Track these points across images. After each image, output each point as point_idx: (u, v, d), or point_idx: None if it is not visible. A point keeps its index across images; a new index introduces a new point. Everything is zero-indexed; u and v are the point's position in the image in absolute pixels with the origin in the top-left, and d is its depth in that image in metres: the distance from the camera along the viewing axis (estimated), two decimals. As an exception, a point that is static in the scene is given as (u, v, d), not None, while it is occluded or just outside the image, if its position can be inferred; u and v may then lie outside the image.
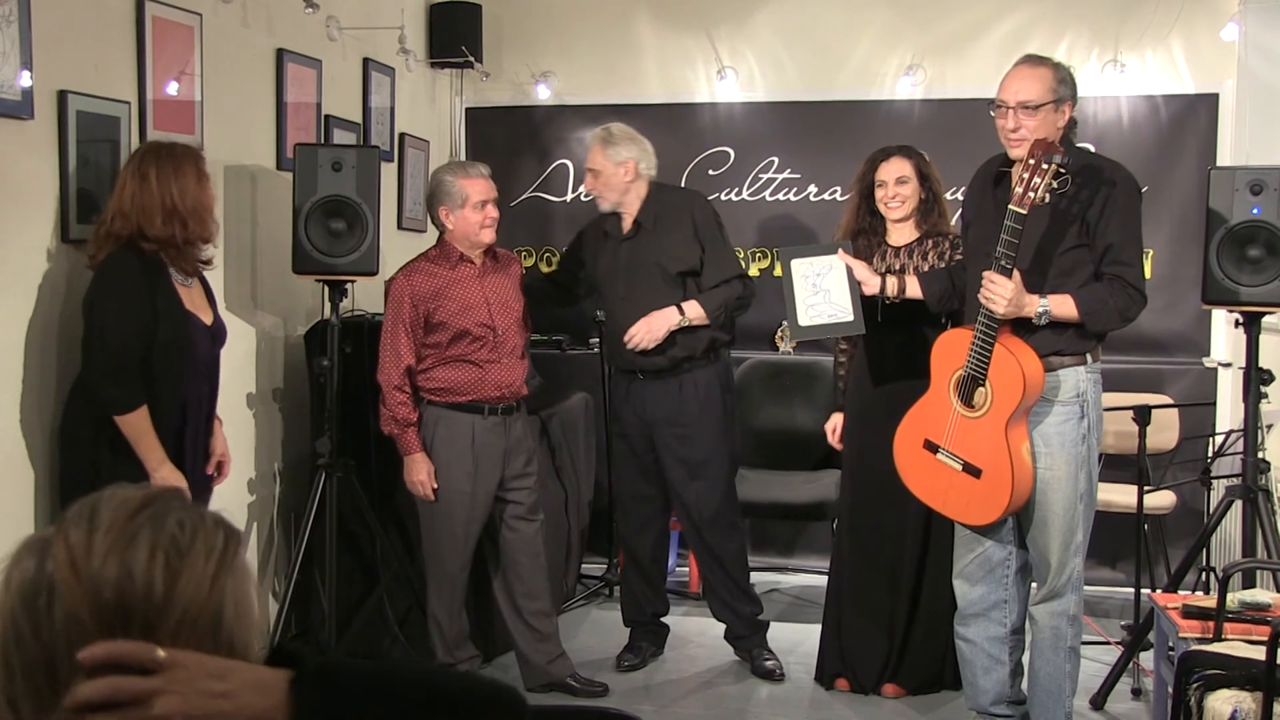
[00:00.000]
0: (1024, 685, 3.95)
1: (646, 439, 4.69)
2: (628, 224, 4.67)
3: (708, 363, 4.65)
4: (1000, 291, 3.48)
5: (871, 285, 4.10)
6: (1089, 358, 3.64)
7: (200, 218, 3.53)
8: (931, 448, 3.80)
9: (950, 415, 3.74)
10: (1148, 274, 5.85)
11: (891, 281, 4.11)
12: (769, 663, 4.72)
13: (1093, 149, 5.73)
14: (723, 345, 4.71)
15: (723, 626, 4.85)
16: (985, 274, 3.54)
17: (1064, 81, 3.63)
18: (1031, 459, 3.64)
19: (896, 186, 4.34)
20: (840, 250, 4.16)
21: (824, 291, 4.16)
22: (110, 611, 1.16)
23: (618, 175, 4.61)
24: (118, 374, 3.39)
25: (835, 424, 4.60)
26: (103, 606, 1.16)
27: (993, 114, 3.68)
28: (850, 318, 4.12)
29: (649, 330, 4.52)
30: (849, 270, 4.12)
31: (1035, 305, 3.52)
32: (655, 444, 4.68)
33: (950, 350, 3.75)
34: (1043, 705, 3.80)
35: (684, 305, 4.54)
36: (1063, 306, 3.54)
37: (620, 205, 4.64)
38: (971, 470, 3.69)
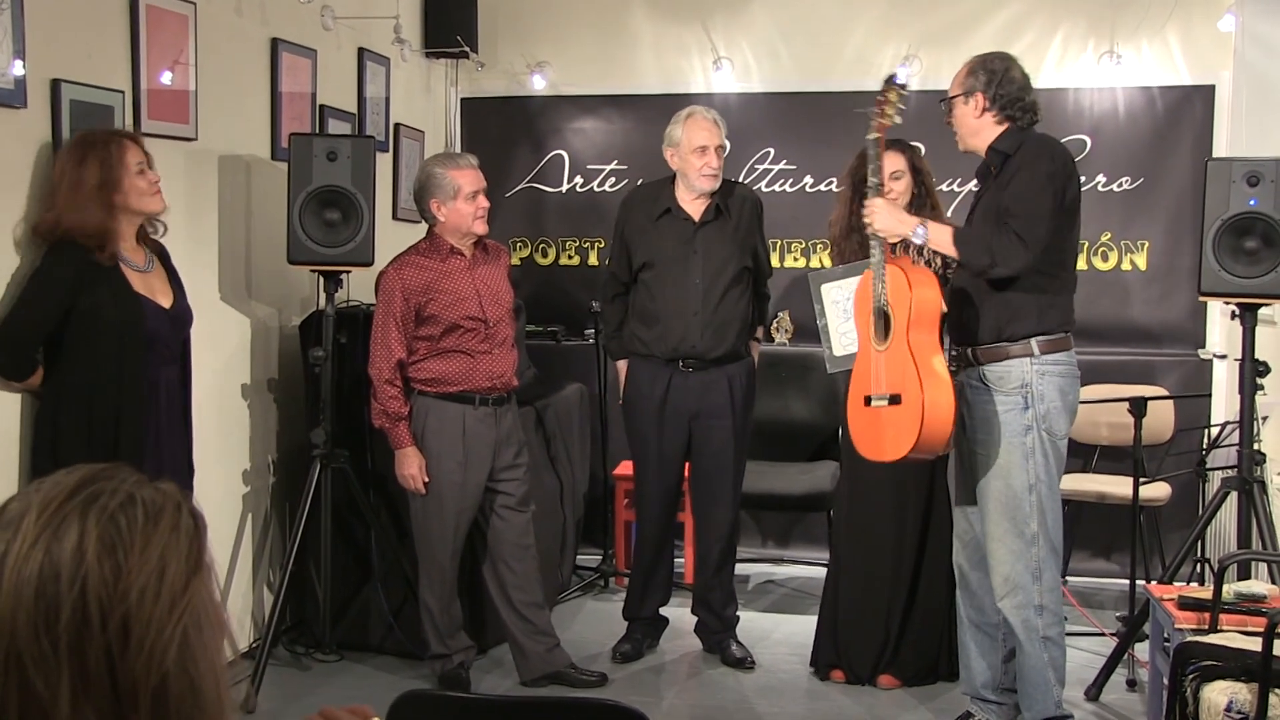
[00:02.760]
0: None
1: (684, 431, 4.65)
2: (700, 208, 4.63)
3: (745, 355, 4.72)
4: (871, 210, 3.77)
5: None
6: (1036, 348, 3.66)
7: (93, 209, 3.45)
8: (868, 400, 3.81)
9: (873, 358, 3.79)
10: (1143, 265, 5.87)
11: None
12: (739, 653, 4.73)
13: (1088, 140, 5.81)
14: (750, 340, 4.80)
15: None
16: (865, 202, 3.83)
17: (973, 73, 3.78)
18: (950, 375, 3.67)
19: (891, 181, 4.31)
20: (867, 272, 4.17)
21: (854, 318, 4.17)
22: (36, 617, 1.01)
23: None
24: (7, 346, 3.47)
25: None
26: (30, 610, 1.01)
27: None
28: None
29: None
30: None
31: (912, 224, 3.75)
32: (694, 434, 4.66)
33: (864, 296, 3.87)
34: (1030, 698, 3.79)
35: (758, 338, 4.87)
36: (940, 232, 3.72)
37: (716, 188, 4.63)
38: (895, 400, 3.71)
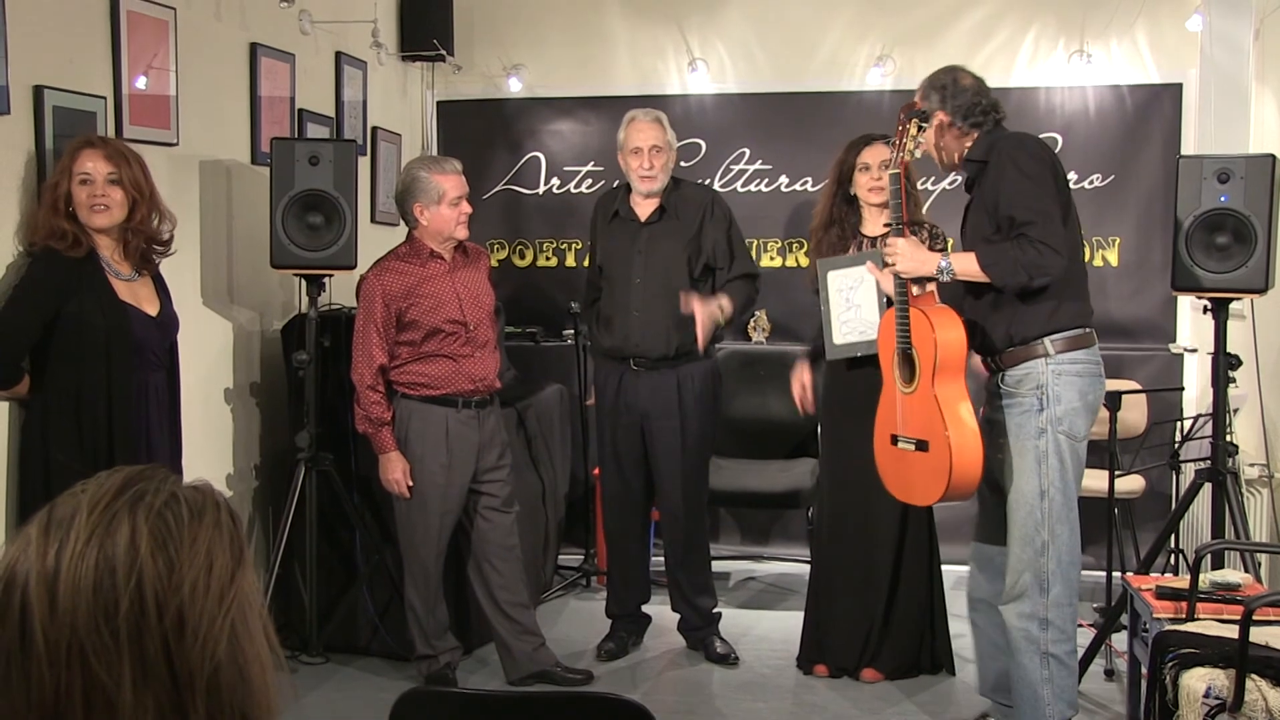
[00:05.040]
0: None
1: (636, 429, 4.70)
2: (648, 209, 4.67)
3: (704, 357, 4.71)
4: (894, 250, 3.63)
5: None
6: (1051, 348, 3.58)
7: (61, 214, 3.48)
8: (894, 439, 3.79)
9: (897, 399, 3.77)
10: (1114, 261, 5.94)
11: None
12: (722, 649, 4.77)
13: (1060, 138, 5.88)
14: (716, 341, 4.78)
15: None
16: (887, 241, 3.69)
17: (925, 97, 3.78)
18: (977, 422, 3.61)
19: (882, 170, 4.34)
20: (869, 263, 4.13)
21: (855, 307, 4.25)
22: (96, 609, 1.05)
23: (672, 158, 4.68)
24: None
25: (802, 378, 4.53)
26: (89, 603, 1.05)
27: None
28: (876, 336, 4.11)
29: (706, 317, 4.46)
30: (877, 284, 4.14)
31: (935, 262, 3.61)
32: (646, 435, 4.70)
33: (888, 333, 3.81)
34: (1020, 711, 3.70)
35: (722, 302, 4.53)
36: (964, 262, 3.59)
37: (658, 190, 4.66)
38: (922, 446, 3.68)
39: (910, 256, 3.62)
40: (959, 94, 3.73)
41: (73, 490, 1.12)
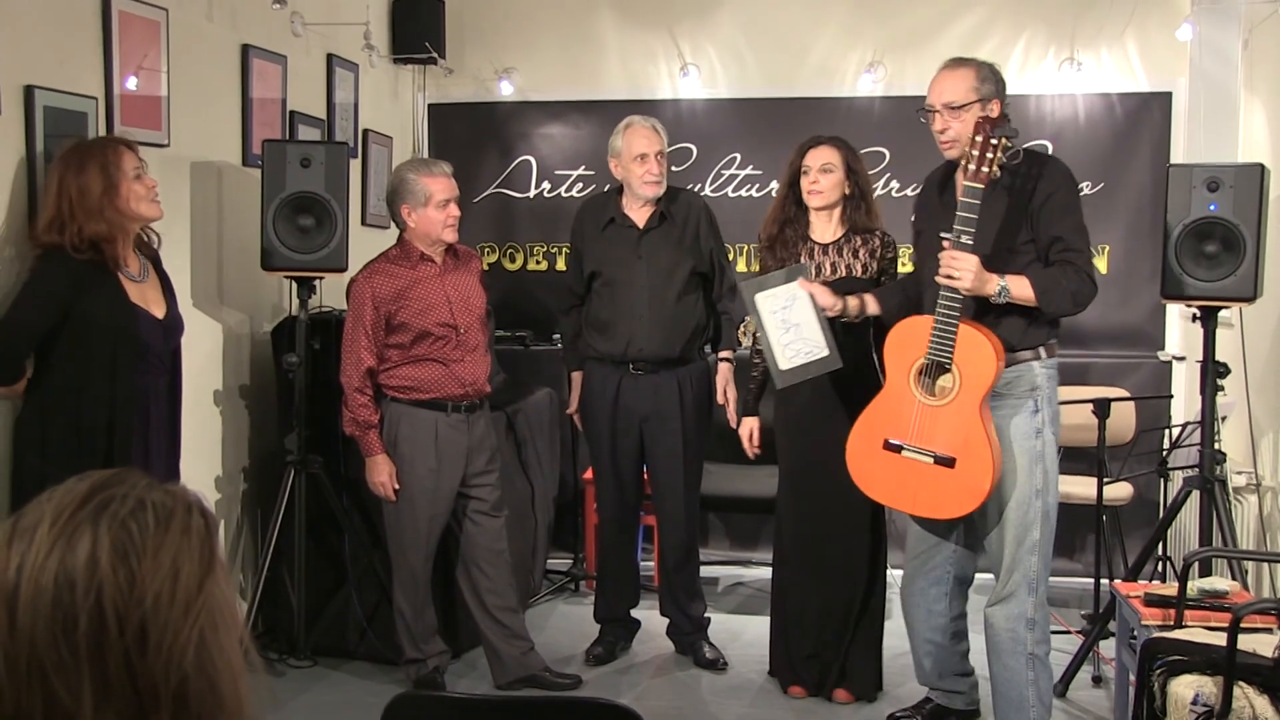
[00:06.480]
0: (970, 657, 4.03)
1: (635, 433, 4.70)
2: (645, 215, 4.67)
3: (700, 358, 4.75)
4: (963, 265, 3.44)
5: (836, 309, 3.99)
6: (1043, 352, 3.61)
7: (102, 216, 3.44)
8: (894, 447, 3.68)
9: (913, 409, 3.64)
10: (1103, 269, 5.96)
11: (854, 303, 4.00)
12: (710, 654, 4.77)
13: (1050, 146, 5.90)
14: (706, 343, 4.81)
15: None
16: (946, 251, 3.48)
17: (986, 80, 3.61)
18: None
19: (819, 174, 4.25)
20: (800, 280, 4.00)
21: (794, 326, 4.03)
22: (54, 625, 1.02)
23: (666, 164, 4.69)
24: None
25: (751, 428, 4.59)
26: (48, 619, 1.02)
27: (923, 119, 3.68)
28: (826, 352, 4.00)
29: (731, 390, 4.69)
30: (812, 298, 3.98)
31: (995, 283, 3.49)
32: (645, 437, 4.70)
33: (907, 340, 3.66)
34: (1005, 716, 3.70)
35: (728, 357, 4.76)
36: (1020, 286, 3.50)
37: (660, 195, 4.66)
38: (944, 461, 3.58)
39: (977, 275, 3.45)
40: (1000, 94, 3.64)
41: (40, 498, 1.09)
